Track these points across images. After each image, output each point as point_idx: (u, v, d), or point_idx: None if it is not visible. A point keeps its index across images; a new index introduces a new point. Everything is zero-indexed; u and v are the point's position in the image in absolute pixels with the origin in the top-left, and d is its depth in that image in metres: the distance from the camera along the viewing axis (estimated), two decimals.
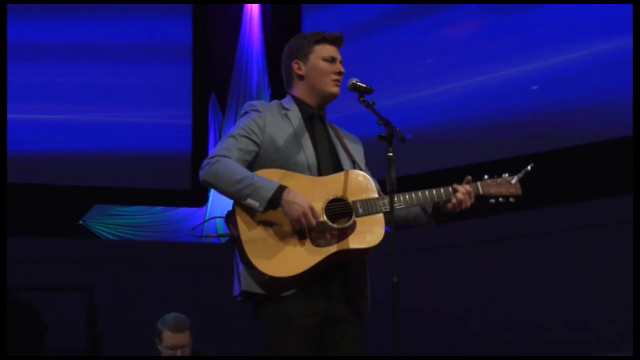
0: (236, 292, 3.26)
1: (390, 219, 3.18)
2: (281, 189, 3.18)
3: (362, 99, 3.33)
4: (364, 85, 3.34)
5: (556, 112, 7.30)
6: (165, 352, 5.07)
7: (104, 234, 8.26)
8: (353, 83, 3.36)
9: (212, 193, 8.15)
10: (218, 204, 8.08)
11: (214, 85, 8.78)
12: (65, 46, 8.29)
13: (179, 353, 5.07)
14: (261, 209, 3.17)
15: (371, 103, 3.30)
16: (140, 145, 8.36)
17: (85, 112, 8.29)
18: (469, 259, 7.15)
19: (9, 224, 7.21)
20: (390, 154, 3.18)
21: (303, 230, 3.19)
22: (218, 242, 7.91)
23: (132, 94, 8.43)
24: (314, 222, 3.16)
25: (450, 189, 3.39)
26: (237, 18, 8.86)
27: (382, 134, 3.22)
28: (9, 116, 7.75)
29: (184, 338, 5.08)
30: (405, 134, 3.22)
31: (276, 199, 3.16)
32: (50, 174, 8.05)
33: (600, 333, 6.32)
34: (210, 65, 8.82)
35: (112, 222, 8.32)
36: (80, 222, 8.19)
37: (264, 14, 8.91)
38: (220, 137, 8.55)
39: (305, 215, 3.15)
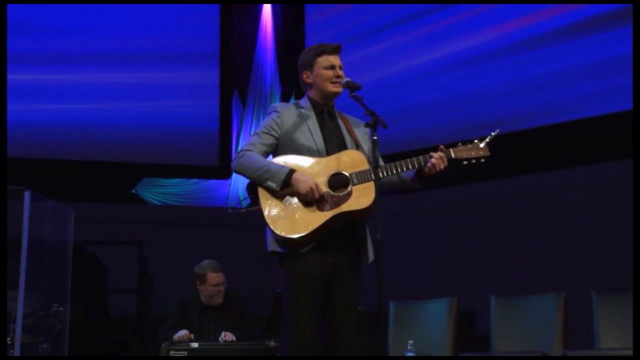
0: (268, 249, 3.32)
1: (375, 187, 3.20)
2: (292, 171, 3.24)
3: (352, 94, 3.32)
4: (355, 83, 3.35)
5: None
6: (210, 290, 5.11)
7: (152, 200, 8.28)
8: (346, 82, 3.38)
9: None
10: (240, 177, 8.12)
11: (236, 84, 8.79)
12: (119, 54, 8.34)
13: (222, 288, 5.13)
14: (277, 188, 3.24)
15: (360, 97, 3.30)
16: (178, 131, 8.40)
17: (137, 103, 8.34)
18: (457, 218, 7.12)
19: (81, 193, 7.28)
20: (375, 137, 3.19)
21: (311, 201, 3.23)
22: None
23: (173, 89, 8.46)
24: (317, 195, 3.21)
25: (427, 155, 3.33)
26: (254, 32, 8.87)
27: (369, 122, 3.23)
28: (90, 106, 8.00)
29: (222, 277, 5.15)
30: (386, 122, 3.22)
31: (288, 179, 3.23)
32: (112, 153, 8.11)
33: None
34: (233, 68, 8.83)
35: (157, 191, 8.34)
36: (133, 190, 8.22)
37: (275, 27, 8.93)
38: (241, 125, 8.62)
39: (311, 190, 3.21)
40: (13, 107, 7.73)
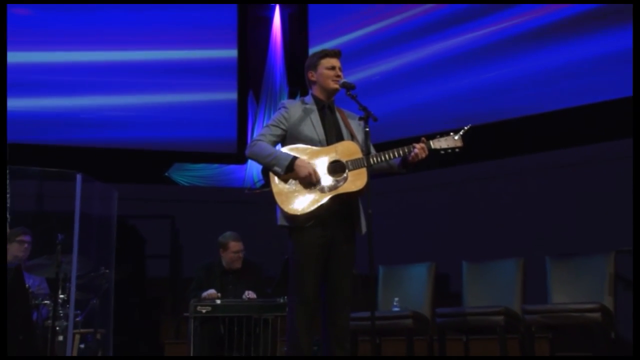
0: (277, 223, 3.33)
1: (368, 172, 3.22)
2: (295, 158, 3.25)
3: (348, 92, 3.32)
4: (350, 84, 3.35)
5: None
6: (231, 256, 5.12)
7: (181, 181, 8.29)
8: (343, 82, 3.38)
9: None
10: (254, 162, 8.12)
11: (251, 85, 8.77)
12: (155, 62, 8.36)
13: (241, 255, 5.15)
14: (282, 172, 3.24)
15: (354, 95, 3.30)
16: (203, 124, 8.42)
17: (169, 101, 8.36)
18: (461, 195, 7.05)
19: (124, 176, 7.32)
20: (367, 129, 3.21)
21: (312, 183, 3.24)
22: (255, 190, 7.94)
23: (199, 89, 8.46)
24: (314, 179, 3.22)
25: (410, 146, 3.32)
26: (266, 42, 8.86)
27: (362, 116, 3.24)
28: (131, 103, 8.11)
29: (242, 245, 5.17)
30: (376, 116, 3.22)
31: (291, 165, 3.24)
32: (149, 142, 8.15)
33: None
34: (248, 71, 8.82)
35: (186, 174, 8.34)
36: (166, 174, 8.25)
37: (284, 37, 8.91)
38: (255, 120, 8.62)
39: (309, 174, 3.22)
40: (66, 104, 7.86)
